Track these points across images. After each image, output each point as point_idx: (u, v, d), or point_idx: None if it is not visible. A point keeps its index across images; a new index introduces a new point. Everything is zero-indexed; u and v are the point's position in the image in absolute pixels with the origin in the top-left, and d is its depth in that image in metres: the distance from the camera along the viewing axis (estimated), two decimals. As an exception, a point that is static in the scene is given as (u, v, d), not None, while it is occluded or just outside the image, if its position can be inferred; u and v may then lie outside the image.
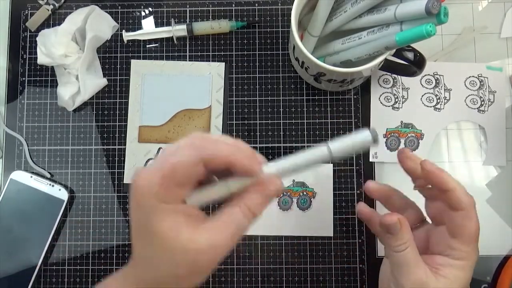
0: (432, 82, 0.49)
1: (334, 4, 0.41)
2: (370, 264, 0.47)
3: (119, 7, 0.51)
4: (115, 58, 0.50)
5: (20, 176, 0.47)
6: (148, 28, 0.50)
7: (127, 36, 0.49)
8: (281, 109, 0.49)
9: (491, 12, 0.50)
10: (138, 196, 0.27)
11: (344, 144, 0.30)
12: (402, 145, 0.48)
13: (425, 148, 0.48)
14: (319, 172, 0.48)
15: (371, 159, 0.48)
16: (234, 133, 0.49)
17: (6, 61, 0.50)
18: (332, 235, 0.47)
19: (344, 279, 0.46)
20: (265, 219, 0.47)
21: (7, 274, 0.45)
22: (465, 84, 0.49)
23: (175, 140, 0.48)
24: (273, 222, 0.47)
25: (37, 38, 0.47)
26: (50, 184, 0.47)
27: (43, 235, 0.46)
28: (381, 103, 0.49)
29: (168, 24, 0.50)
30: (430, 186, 0.36)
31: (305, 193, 0.47)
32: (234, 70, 0.49)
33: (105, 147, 0.49)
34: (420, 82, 0.49)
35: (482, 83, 0.49)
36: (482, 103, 0.48)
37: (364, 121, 0.48)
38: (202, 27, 0.49)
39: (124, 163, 0.48)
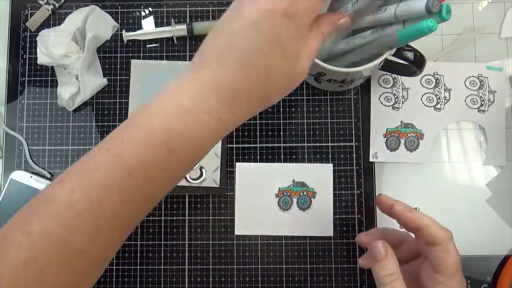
0: (432, 82, 0.49)
1: (335, 4, 0.41)
2: (370, 264, 0.47)
3: (119, 7, 0.51)
4: (115, 58, 0.50)
5: (20, 176, 0.47)
6: (148, 28, 0.50)
7: (127, 36, 0.49)
8: (281, 109, 0.49)
9: (491, 12, 0.50)
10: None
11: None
12: (402, 145, 0.48)
13: (425, 148, 0.48)
14: (319, 172, 0.48)
15: (371, 159, 0.48)
16: (234, 133, 0.49)
17: (6, 61, 0.50)
18: (332, 235, 0.47)
19: (344, 279, 0.46)
20: (265, 219, 0.47)
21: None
22: (465, 84, 0.49)
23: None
24: (273, 222, 0.47)
25: (37, 38, 0.47)
26: (50, 184, 0.47)
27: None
28: (381, 103, 0.49)
29: (168, 24, 0.50)
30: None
31: (305, 193, 0.47)
32: (234, 70, 0.49)
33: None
34: (420, 82, 0.49)
35: (482, 83, 0.49)
36: (482, 103, 0.48)
37: (364, 121, 0.48)
38: (202, 27, 0.49)
39: (124, 163, 0.48)
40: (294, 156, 0.48)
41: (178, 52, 0.50)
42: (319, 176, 0.48)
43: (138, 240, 0.47)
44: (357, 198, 0.47)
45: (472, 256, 0.46)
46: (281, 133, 0.48)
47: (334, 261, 0.47)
